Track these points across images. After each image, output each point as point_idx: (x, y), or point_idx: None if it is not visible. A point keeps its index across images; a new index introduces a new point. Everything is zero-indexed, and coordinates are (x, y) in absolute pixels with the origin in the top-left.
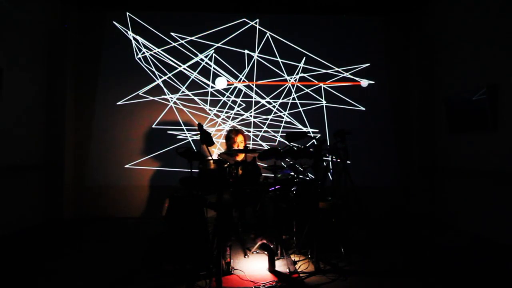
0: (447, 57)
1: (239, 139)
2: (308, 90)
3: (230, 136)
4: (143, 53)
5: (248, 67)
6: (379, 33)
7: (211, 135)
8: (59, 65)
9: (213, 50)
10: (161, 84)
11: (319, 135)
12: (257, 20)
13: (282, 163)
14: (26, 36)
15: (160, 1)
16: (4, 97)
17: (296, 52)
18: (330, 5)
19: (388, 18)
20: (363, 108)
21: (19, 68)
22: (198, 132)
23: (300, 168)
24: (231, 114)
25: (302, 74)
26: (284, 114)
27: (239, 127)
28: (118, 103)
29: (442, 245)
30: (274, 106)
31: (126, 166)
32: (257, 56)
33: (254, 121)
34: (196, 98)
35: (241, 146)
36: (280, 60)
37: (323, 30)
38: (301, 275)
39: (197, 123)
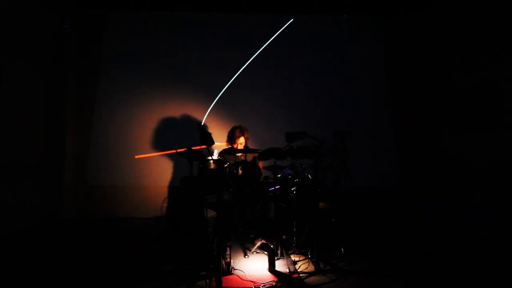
0: (447, 56)
1: (241, 140)
2: (307, 91)
3: (233, 135)
4: (144, 52)
5: (242, 68)
6: (379, 33)
7: (211, 134)
8: (59, 64)
9: (212, 51)
10: (162, 84)
11: None
12: (256, 20)
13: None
14: (26, 35)
15: (160, 1)
16: (4, 97)
17: (294, 53)
18: (329, 5)
19: (388, 17)
20: (363, 108)
21: (19, 67)
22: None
23: (299, 168)
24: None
25: (302, 74)
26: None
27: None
28: (118, 103)
29: (442, 245)
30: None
31: (127, 165)
32: (255, 58)
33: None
34: (196, 98)
35: (241, 147)
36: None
37: (322, 30)
38: (301, 275)
39: (197, 123)
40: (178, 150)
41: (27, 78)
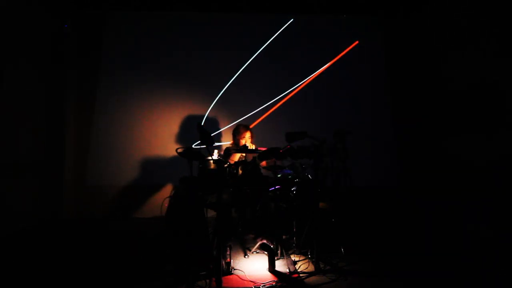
0: (447, 56)
1: (247, 135)
2: (307, 91)
3: (238, 131)
4: (144, 52)
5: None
6: (379, 33)
7: (211, 134)
8: (59, 64)
9: (212, 51)
10: (162, 84)
11: None
12: (256, 20)
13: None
14: (26, 35)
15: (160, 1)
16: (4, 97)
17: (294, 53)
18: (329, 5)
19: (388, 17)
20: (363, 108)
21: (19, 67)
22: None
23: (299, 168)
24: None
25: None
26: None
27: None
28: (119, 102)
29: (442, 245)
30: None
31: (127, 165)
32: (255, 58)
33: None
34: (196, 98)
35: (248, 142)
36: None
37: (322, 30)
38: (301, 275)
39: (197, 123)
40: (178, 150)
41: (27, 78)
